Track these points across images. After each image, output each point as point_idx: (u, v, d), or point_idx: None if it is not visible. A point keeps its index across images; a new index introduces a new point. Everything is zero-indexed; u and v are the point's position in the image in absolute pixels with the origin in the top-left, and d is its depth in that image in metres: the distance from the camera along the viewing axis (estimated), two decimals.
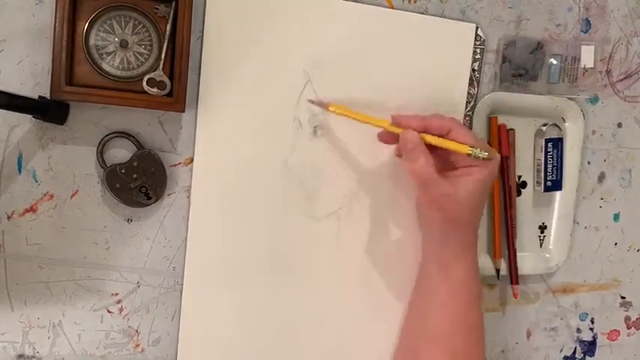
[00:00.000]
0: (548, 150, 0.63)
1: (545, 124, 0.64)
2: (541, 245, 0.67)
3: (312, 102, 0.56)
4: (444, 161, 0.53)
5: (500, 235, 0.63)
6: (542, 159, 0.63)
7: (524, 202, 0.65)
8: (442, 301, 0.54)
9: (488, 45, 0.61)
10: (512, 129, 0.63)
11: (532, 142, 0.64)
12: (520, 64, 0.59)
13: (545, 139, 0.63)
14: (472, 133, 0.53)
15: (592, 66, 0.59)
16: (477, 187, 0.51)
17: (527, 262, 0.65)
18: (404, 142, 0.52)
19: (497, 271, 0.64)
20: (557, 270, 0.67)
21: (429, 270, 0.56)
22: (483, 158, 0.50)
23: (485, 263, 0.64)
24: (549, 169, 0.64)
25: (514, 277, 0.64)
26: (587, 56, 0.60)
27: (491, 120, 0.62)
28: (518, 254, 0.64)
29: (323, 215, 0.58)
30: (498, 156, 0.52)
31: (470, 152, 0.50)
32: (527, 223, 0.66)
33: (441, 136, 0.52)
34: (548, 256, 0.67)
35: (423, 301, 0.57)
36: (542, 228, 0.66)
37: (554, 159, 0.64)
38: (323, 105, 0.55)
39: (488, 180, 0.52)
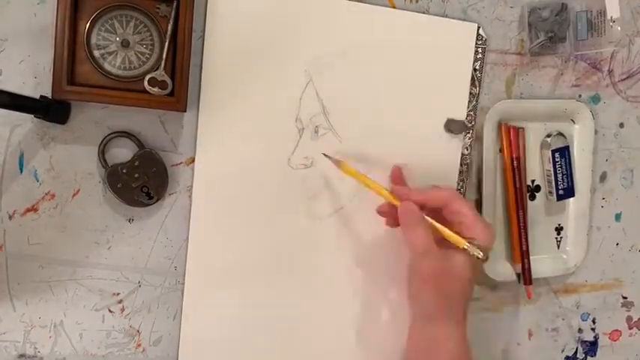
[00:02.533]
0: (556, 160, 0.63)
1: (549, 135, 0.64)
2: (558, 247, 0.67)
3: (326, 156, 0.56)
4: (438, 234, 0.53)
5: (518, 239, 0.63)
6: (552, 169, 0.63)
7: (539, 205, 0.65)
8: None
9: (512, 15, 0.61)
10: (522, 127, 0.63)
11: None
12: (547, 29, 0.59)
13: (552, 150, 0.63)
14: (470, 203, 0.53)
15: (618, 15, 0.59)
16: (471, 262, 0.51)
17: (546, 264, 0.65)
18: (402, 213, 0.52)
19: (519, 275, 0.64)
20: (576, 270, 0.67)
21: (417, 345, 0.55)
22: (478, 258, 0.50)
23: (499, 268, 0.64)
24: (559, 178, 0.64)
25: (527, 277, 0.64)
26: (612, 7, 0.59)
27: (501, 126, 0.62)
28: (535, 257, 0.64)
29: (324, 215, 0.58)
30: (491, 245, 0.52)
31: (466, 247, 0.50)
32: (544, 226, 0.66)
33: (441, 208, 0.52)
34: (565, 257, 0.67)
35: None
36: (559, 229, 0.67)
37: (563, 167, 0.64)
38: (337, 163, 0.55)
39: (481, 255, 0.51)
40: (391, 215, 0.55)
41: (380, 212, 0.56)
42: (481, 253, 0.50)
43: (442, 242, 0.52)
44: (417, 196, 0.53)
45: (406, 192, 0.53)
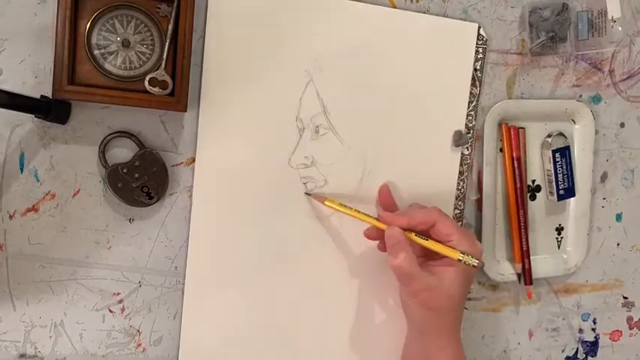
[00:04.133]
0: (557, 160, 0.63)
1: (550, 135, 0.63)
2: (559, 247, 0.67)
3: (308, 194, 0.57)
4: (427, 251, 0.54)
5: (518, 239, 0.63)
6: (552, 169, 0.63)
7: (540, 205, 0.65)
8: None
9: (512, 15, 0.61)
10: (523, 127, 0.63)
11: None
12: (547, 28, 0.59)
13: (553, 150, 0.63)
14: (454, 223, 0.54)
15: (619, 15, 0.59)
16: (458, 278, 0.52)
17: (547, 264, 0.66)
18: (387, 238, 0.53)
19: (519, 275, 0.64)
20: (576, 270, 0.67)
21: (413, 353, 0.57)
22: (473, 266, 0.51)
23: (500, 269, 0.64)
24: (560, 179, 0.64)
25: (528, 277, 0.64)
26: (613, 7, 0.59)
27: (501, 127, 0.62)
28: (536, 257, 0.64)
29: (325, 215, 0.58)
30: (480, 256, 0.53)
31: (460, 259, 0.51)
32: (544, 226, 0.66)
33: (427, 229, 0.53)
34: (565, 257, 0.67)
35: None
36: (560, 230, 0.66)
37: (564, 167, 0.64)
38: (320, 199, 0.56)
39: (469, 270, 0.53)
40: (381, 239, 0.56)
41: (368, 236, 0.57)
42: (476, 261, 0.51)
43: (427, 263, 0.54)
44: (402, 220, 0.54)
45: (392, 218, 0.54)
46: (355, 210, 0.55)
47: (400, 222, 0.53)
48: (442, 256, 0.53)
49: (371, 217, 0.55)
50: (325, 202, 0.56)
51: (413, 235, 0.53)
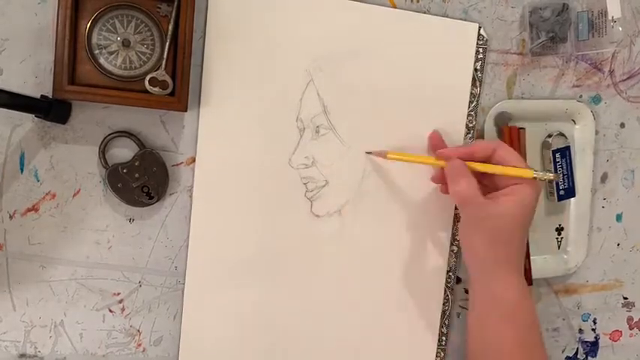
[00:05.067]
0: (557, 160, 0.63)
1: (550, 135, 0.63)
2: (559, 247, 0.67)
3: (369, 153, 0.58)
4: (486, 185, 0.55)
5: None
6: (552, 170, 0.63)
7: (540, 205, 0.65)
8: (496, 328, 0.54)
9: (513, 15, 0.62)
10: (523, 128, 0.63)
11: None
12: (548, 29, 0.59)
13: (553, 151, 0.63)
14: (514, 151, 0.54)
15: (619, 16, 0.59)
16: (519, 207, 0.52)
17: (547, 264, 0.65)
18: (448, 170, 0.54)
19: None
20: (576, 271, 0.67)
21: (478, 297, 0.56)
22: (549, 180, 0.52)
23: None
24: (560, 179, 0.64)
25: (528, 278, 0.63)
26: (614, 7, 0.59)
27: (502, 127, 0.62)
28: (536, 257, 0.64)
29: (325, 214, 0.58)
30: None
31: (535, 176, 0.51)
32: (544, 226, 0.66)
33: (487, 158, 0.54)
34: (566, 257, 0.67)
35: (479, 331, 0.56)
36: (560, 230, 0.66)
37: (564, 168, 0.63)
38: (383, 154, 0.57)
39: (530, 200, 0.52)
40: (444, 180, 0.56)
41: (434, 180, 0.58)
42: (552, 175, 0.51)
43: (488, 193, 0.53)
44: (463, 150, 0.55)
45: (451, 151, 0.55)
46: (416, 155, 0.57)
47: (459, 153, 0.54)
48: (501, 187, 0.53)
49: (430, 157, 0.57)
50: (387, 156, 0.56)
51: (475, 164, 0.53)
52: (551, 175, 0.51)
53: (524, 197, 0.52)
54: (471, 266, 0.56)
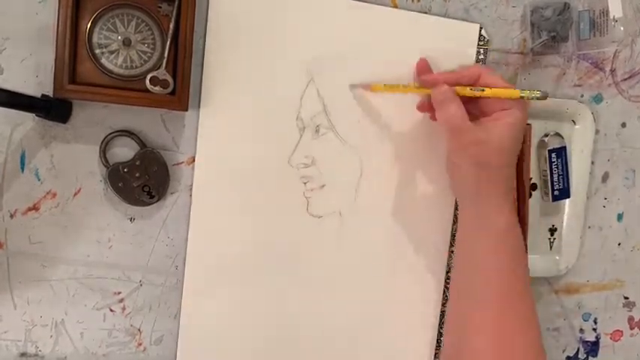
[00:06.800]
0: (553, 160, 0.63)
1: (546, 135, 0.63)
2: (551, 248, 0.66)
3: (353, 86, 0.57)
4: (473, 112, 0.54)
5: None
6: (548, 169, 0.63)
7: (534, 204, 0.65)
8: (484, 256, 0.53)
9: (514, 15, 0.62)
10: (529, 124, 0.62)
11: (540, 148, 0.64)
12: (549, 28, 0.59)
13: (549, 150, 0.63)
14: (500, 76, 0.54)
15: (621, 15, 0.59)
16: (508, 131, 0.52)
17: (538, 264, 0.65)
18: (435, 96, 0.53)
19: None
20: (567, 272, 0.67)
21: (468, 226, 0.55)
22: (537, 98, 0.51)
23: None
24: (555, 179, 0.63)
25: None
26: (615, 6, 0.59)
27: None
28: (529, 256, 0.64)
29: (325, 214, 0.58)
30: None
31: (522, 95, 0.51)
32: (538, 226, 0.66)
33: (473, 84, 0.53)
34: (557, 258, 0.66)
35: (466, 262, 0.55)
36: (552, 230, 0.66)
37: (560, 168, 0.63)
38: (367, 87, 0.57)
39: (519, 123, 0.52)
40: (431, 108, 0.55)
41: (420, 109, 0.58)
42: (539, 92, 0.51)
43: (474, 121, 0.53)
44: (449, 76, 0.54)
45: (436, 77, 0.55)
46: (401, 85, 0.56)
47: (444, 78, 0.54)
48: (489, 114, 0.53)
49: (415, 85, 0.57)
50: (371, 89, 0.56)
51: (463, 89, 0.53)
52: (537, 92, 0.50)
53: (513, 121, 0.51)
54: (460, 195, 0.56)
